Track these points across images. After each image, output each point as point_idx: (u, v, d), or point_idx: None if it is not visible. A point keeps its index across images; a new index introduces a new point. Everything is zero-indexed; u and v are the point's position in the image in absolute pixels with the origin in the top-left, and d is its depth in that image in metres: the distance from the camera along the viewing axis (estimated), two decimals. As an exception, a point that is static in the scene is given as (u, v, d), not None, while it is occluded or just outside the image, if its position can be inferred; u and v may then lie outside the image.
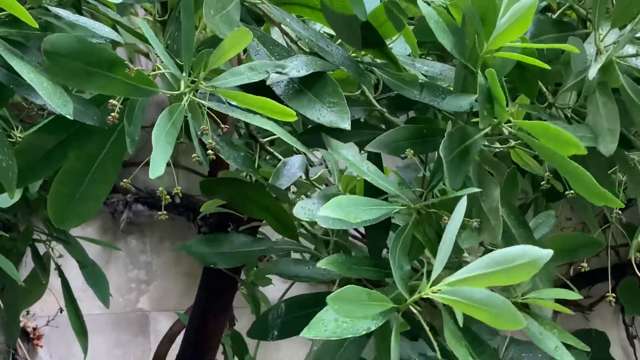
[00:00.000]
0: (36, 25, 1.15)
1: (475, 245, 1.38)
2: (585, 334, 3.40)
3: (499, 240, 1.26)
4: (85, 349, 2.09)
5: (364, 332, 1.13)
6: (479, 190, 1.24)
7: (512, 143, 1.38)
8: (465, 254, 1.31)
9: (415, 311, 1.17)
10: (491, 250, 1.41)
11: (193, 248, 1.58)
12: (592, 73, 1.34)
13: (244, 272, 2.34)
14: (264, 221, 1.86)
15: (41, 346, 2.91)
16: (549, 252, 1.00)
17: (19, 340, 2.71)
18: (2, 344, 2.71)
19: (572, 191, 1.49)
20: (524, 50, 1.27)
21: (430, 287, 1.11)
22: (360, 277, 1.34)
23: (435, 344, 1.16)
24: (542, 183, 1.46)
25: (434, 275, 1.11)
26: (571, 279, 1.89)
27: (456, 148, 1.23)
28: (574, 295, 1.40)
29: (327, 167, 1.94)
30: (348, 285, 1.10)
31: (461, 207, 1.09)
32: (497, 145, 1.38)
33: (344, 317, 1.11)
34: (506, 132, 1.28)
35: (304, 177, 1.68)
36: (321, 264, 1.28)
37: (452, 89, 1.42)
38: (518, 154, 1.44)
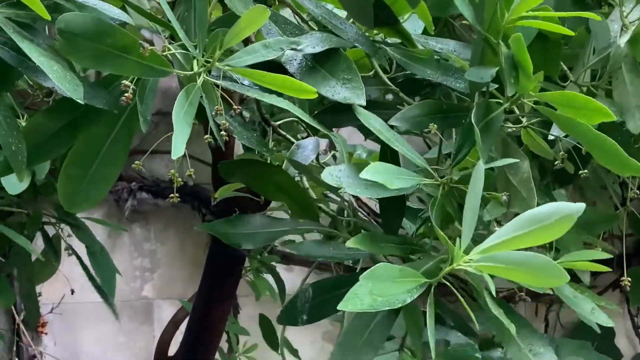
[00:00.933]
0: (47, 16, 1.13)
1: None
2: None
3: None
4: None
5: (399, 305, 1.13)
6: (516, 161, 1.23)
7: (525, 122, 1.38)
8: (497, 228, 1.30)
9: (448, 283, 1.18)
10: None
11: (217, 228, 1.55)
12: (622, 41, 1.33)
13: (248, 260, 2.35)
14: (270, 207, 1.86)
15: (45, 333, 2.90)
16: (581, 206, 1.00)
17: (22, 327, 2.70)
18: (6, 331, 2.70)
19: (585, 171, 1.49)
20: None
21: (461, 257, 1.11)
22: (389, 254, 1.34)
23: (471, 314, 1.16)
24: (556, 163, 1.45)
25: (463, 245, 1.11)
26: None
27: (483, 119, 1.23)
28: (602, 254, 1.38)
29: (333, 153, 1.94)
30: (380, 263, 1.11)
31: (479, 175, 1.09)
32: (510, 124, 1.38)
33: (378, 294, 1.10)
34: (526, 106, 1.27)
35: (314, 161, 1.67)
36: (351, 243, 1.28)
37: (462, 70, 1.42)
38: (530, 134, 1.43)
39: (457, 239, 1.12)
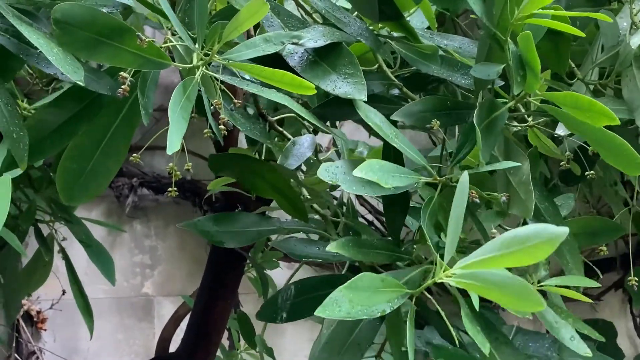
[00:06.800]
0: (44, -7, 1.13)
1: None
2: (593, 324, 3.37)
3: (531, 215, 1.22)
4: (91, 330, 2.08)
5: (378, 315, 1.10)
6: (518, 164, 1.21)
7: (531, 122, 1.36)
8: (494, 231, 1.28)
9: (429, 296, 1.15)
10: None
11: (199, 226, 1.53)
12: (635, 43, 1.31)
13: (251, 255, 2.33)
14: (271, 205, 1.84)
15: (45, 329, 2.90)
16: (564, 230, 0.95)
17: (22, 323, 2.69)
18: (4, 326, 2.70)
19: (592, 172, 1.47)
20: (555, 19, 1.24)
21: (444, 271, 1.07)
22: (371, 260, 1.32)
23: (452, 330, 1.14)
24: (562, 163, 1.43)
25: (446, 259, 1.07)
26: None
27: (485, 119, 1.20)
28: (590, 282, 1.37)
29: (336, 149, 1.92)
30: (363, 273, 1.08)
31: (463, 187, 1.06)
32: (516, 124, 1.36)
33: (359, 304, 1.08)
34: (532, 105, 1.25)
35: (313, 157, 1.65)
36: (331, 248, 1.25)
37: (468, 66, 1.40)
38: (536, 134, 1.41)
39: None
